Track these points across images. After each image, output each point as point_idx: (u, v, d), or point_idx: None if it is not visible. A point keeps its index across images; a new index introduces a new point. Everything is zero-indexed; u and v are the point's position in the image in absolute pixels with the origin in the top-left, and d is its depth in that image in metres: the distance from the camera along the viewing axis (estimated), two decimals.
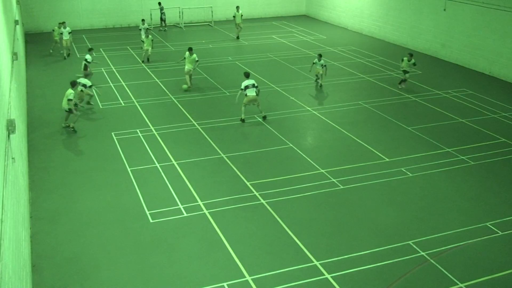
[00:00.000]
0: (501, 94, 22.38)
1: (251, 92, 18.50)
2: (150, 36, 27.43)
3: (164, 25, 35.74)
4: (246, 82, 18.64)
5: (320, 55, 22.87)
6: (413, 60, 22.80)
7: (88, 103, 20.81)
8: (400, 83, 23.10)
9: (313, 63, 23.19)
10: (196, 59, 22.83)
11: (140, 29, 29.93)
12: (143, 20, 30.67)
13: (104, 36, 33.83)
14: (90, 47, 25.69)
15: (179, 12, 36.58)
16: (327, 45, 31.21)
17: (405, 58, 22.88)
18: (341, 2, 36.71)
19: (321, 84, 23.31)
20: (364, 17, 34.40)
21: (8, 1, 20.82)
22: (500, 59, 24.60)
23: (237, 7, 33.21)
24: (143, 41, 27.73)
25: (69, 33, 27.72)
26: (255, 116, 19.73)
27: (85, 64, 22.80)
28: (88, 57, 23.02)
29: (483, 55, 25.48)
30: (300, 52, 29.76)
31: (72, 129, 18.19)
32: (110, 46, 30.81)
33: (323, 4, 39.08)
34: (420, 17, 29.40)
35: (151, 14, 36.14)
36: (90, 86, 20.06)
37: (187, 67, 22.91)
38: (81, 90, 19.90)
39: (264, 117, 19.13)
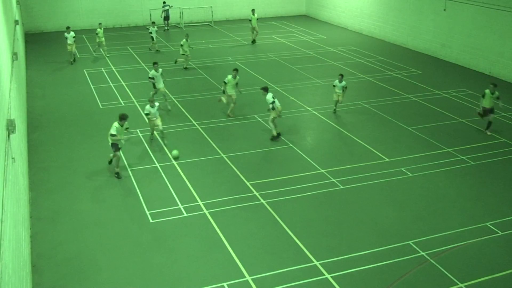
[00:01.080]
0: (501, 94, 22.33)
1: (278, 103, 17.18)
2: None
3: (167, 24, 35.75)
4: (270, 96, 17.11)
5: (341, 76, 19.56)
6: (496, 93, 18.07)
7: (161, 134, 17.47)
8: (487, 128, 18.12)
9: (333, 85, 19.75)
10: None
11: (151, 32, 29.50)
12: (153, 22, 30.56)
13: (104, 36, 33.77)
14: (154, 62, 20.71)
15: (180, 12, 36.55)
16: (327, 45, 31.21)
17: (487, 91, 18.02)
18: (341, 2, 36.71)
19: (335, 109, 20.10)
20: (364, 17, 34.40)
21: (8, 1, 20.82)
22: (500, 59, 24.60)
23: (253, 10, 32.08)
24: (154, 42, 29.24)
25: (73, 37, 26.80)
26: (255, 116, 19.72)
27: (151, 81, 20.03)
28: (153, 73, 19.83)
29: (483, 55, 25.48)
30: (300, 52, 29.75)
31: (116, 175, 15.07)
32: (110, 46, 30.79)
33: (323, 4, 39.08)
34: (420, 17, 29.40)
35: (150, 14, 36.13)
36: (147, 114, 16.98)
37: (230, 91, 19.24)
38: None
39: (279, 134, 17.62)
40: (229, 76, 19.16)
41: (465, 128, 18.67)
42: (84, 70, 25.89)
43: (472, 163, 15.97)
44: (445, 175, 15.23)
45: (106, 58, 27.73)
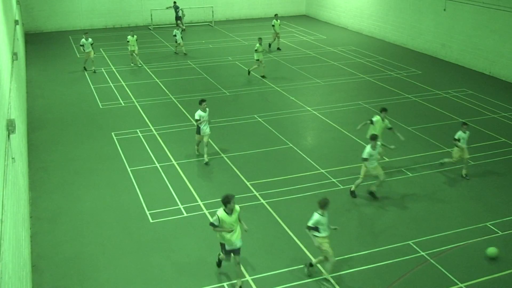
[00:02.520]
0: (501, 94, 22.37)
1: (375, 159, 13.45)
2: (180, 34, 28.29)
3: (180, 23, 35.14)
4: (370, 149, 13.23)
5: (384, 111, 15.19)
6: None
7: None
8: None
9: (370, 122, 15.21)
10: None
11: (175, 34, 28.25)
12: (177, 24, 30.18)
13: (104, 36, 33.81)
14: (202, 99, 16.07)
15: (181, 12, 36.52)
16: (327, 45, 31.20)
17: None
18: (341, 2, 36.70)
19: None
20: (364, 17, 34.39)
21: (8, 1, 20.82)
22: (500, 59, 24.59)
23: (276, 15, 30.30)
24: (179, 43, 28.38)
25: (91, 44, 24.99)
26: (255, 116, 19.72)
27: None
28: (200, 113, 15.53)
29: (483, 55, 25.47)
30: (300, 52, 29.75)
31: None
32: (110, 46, 30.80)
33: (323, 4, 39.08)
34: (420, 17, 29.39)
35: (151, 15, 36.13)
36: None
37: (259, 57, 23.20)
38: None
39: (372, 193, 14.01)
40: (257, 44, 23.64)
41: None
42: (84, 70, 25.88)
43: (472, 163, 15.96)
44: (445, 175, 15.23)
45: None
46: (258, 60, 24.05)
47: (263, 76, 24.34)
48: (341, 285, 10.57)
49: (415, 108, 20.67)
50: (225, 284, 10.62)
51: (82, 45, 24.81)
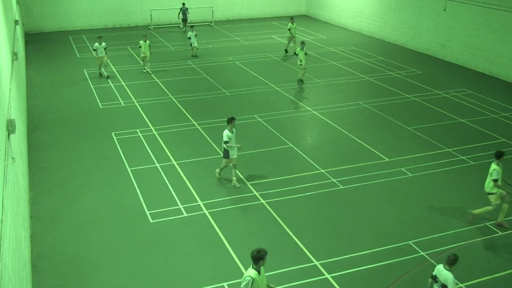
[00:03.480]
0: (501, 94, 22.37)
1: None
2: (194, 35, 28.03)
3: (184, 25, 35.19)
4: (437, 269, 9.20)
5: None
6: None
7: None
8: None
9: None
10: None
11: (190, 37, 27.98)
12: (192, 26, 29.37)
13: (104, 36, 33.74)
14: (230, 117, 14.82)
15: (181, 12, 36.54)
16: (327, 45, 31.19)
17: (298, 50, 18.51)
18: (341, 2, 36.71)
19: None
20: (364, 17, 34.39)
21: (8, 1, 20.82)
22: (500, 59, 24.59)
23: (292, 18, 29.98)
24: (195, 47, 28.07)
25: (104, 49, 24.21)
26: (255, 116, 19.72)
27: None
28: (228, 134, 14.17)
29: (483, 55, 25.47)
30: None
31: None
32: (110, 46, 30.80)
33: (323, 4, 39.08)
34: (420, 17, 29.39)
35: (151, 15, 36.13)
36: None
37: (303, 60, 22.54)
38: None
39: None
40: (298, 49, 23.05)
41: (465, 128, 18.66)
42: (84, 70, 25.89)
43: (472, 163, 15.96)
44: (445, 175, 15.23)
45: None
46: (301, 64, 22.98)
47: (300, 80, 23.55)
48: (341, 285, 10.57)
49: (415, 108, 20.67)
50: (225, 284, 10.62)
51: (95, 50, 24.06)
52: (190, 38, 28.09)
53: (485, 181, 12.62)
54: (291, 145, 17.21)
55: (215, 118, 19.49)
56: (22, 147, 14.08)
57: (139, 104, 21.02)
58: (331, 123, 19.20)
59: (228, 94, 22.35)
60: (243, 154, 16.53)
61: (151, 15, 36.16)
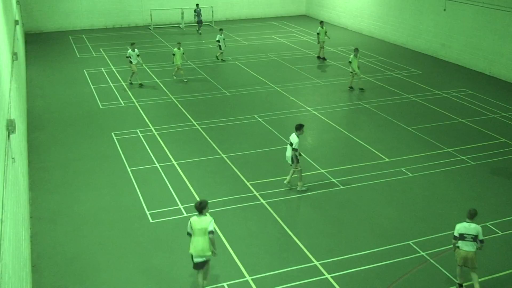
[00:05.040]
0: (501, 94, 22.37)
1: (466, 247, 10.14)
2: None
3: (199, 27, 34.64)
4: (462, 227, 10.14)
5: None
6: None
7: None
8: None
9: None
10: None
11: (218, 40, 27.03)
12: (221, 29, 27.56)
13: (104, 36, 33.84)
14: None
15: (181, 12, 36.54)
16: (327, 45, 31.15)
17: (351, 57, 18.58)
18: (341, 2, 36.70)
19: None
20: (364, 17, 34.40)
21: (8, 1, 20.82)
22: (500, 59, 24.59)
23: (321, 22, 28.07)
24: (221, 51, 27.20)
25: (137, 55, 22.91)
26: (255, 116, 19.72)
27: None
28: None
29: (483, 55, 25.47)
30: (300, 52, 29.74)
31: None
32: (110, 46, 30.81)
33: (323, 4, 39.08)
34: (420, 17, 29.39)
35: (151, 15, 36.13)
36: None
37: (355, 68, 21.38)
38: None
39: None
40: (351, 56, 21.95)
41: (465, 128, 18.66)
42: (84, 70, 25.89)
43: (472, 163, 15.97)
44: (445, 175, 15.23)
45: (106, 58, 25.48)
46: (353, 72, 22.10)
47: (361, 89, 22.56)
48: (341, 285, 10.57)
49: (415, 108, 20.67)
50: (225, 284, 10.62)
51: (129, 57, 22.82)
52: (219, 41, 27.01)
53: (485, 181, 12.60)
54: None
55: (215, 118, 19.50)
56: (22, 147, 14.08)
57: (139, 104, 21.02)
58: (331, 123, 19.20)
59: (228, 94, 22.35)
60: (243, 154, 16.55)
61: (151, 15, 36.15)
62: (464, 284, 10.51)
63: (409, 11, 30.19)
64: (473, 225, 9.95)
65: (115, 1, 36.45)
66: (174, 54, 23.64)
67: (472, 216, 9.99)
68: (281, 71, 25.82)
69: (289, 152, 14.02)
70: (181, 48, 23.59)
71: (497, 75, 24.79)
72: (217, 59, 27.65)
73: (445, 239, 12.13)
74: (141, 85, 23.13)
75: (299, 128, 13.99)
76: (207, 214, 9.91)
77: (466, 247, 9.99)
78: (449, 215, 13.16)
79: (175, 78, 24.17)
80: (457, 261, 10.20)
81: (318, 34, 27.45)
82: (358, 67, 22.29)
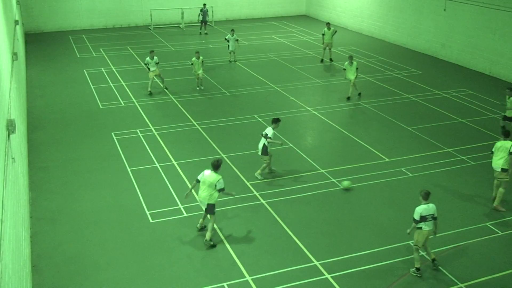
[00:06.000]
0: (501, 94, 22.33)
1: (428, 227, 10.81)
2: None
3: (205, 27, 34.37)
4: (423, 209, 10.69)
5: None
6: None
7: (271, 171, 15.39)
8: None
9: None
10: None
11: (228, 39, 26.77)
12: (232, 30, 27.15)
13: (104, 36, 33.84)
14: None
15: (181, 12, 36.54)
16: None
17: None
18: (341, 2, 36.71)
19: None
20: (364, 17, 34.39)
21: (8, 1, 20.82)
22: (500, 59, 24.59)
23: (328, 24, 27.32)
24: (232, 51, 26.88)
25: (156, 63, 22.04)
26: (254, 116, 19.72)
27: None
28: None
29: (483, 55, 25.47)
30: (300, 52, 29.74)
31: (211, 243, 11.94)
32: (110, 46, 30.81)
33: (323, 4, 39.08)
34: (420, 17, 29.39)
35: (151, 15, 36.13)
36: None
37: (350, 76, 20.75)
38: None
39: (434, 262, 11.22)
40: (346, 63, 21.59)
41: (465, 128, 18.66)
42: (84, 70, 25.89)
43: (472, 163, 15.97)
44: (445, 175, 15.23)
45: (106, 58, 24.95)
46: (349, 79, 21.48)
47: (359, 94, 21.90)
48: (341, 285, 10.57)
49: (415, 108, 20.67)
50: (225, 284, 10.62)
51: (147, 64, 21.97)
52: (228, 41, 26.75)
53: (484, 181, 12.61)
54: (291, 145, 17.21)
55: (215, 118, 19.50)
56: (22, 147, 14.09)
57: (139, 104, 21.02)
58: (331, 123, 19.20)
59: (228, 94, 22.35)
60: (243, 154, 16.54)
61: (151, 15, 36.14)
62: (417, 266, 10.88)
63: (409, 11, 30.19)
64: (431, 205, 10.71)
65: (115, 1, 36.44)
66: (192, 64, 22.59)
67: (427, 196, 10.69)
68: (281, 71, 25.81)
69: (261, 144, 14.59)
70: (200, 57, 22.48)
71: (497, 75, 24.79)
72: (229, 61, 27.28)
73: (445, 239, 12.13)
74: (150, 93, 22.16)
75: (275, 121, 14.68)
76: (218, 173, 11.74)
77: (428, 227, 10.72)
78: (449, 215, 13.15)
79: (199, 88, 22.74)
80: (419, 243, 10.79)
81: (323, 35, 27.00)
82: (355, 75, 21.23)
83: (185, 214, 13.12)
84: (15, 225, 9.06)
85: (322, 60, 27.34)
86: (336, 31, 27.36)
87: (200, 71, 22.53)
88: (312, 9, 40.71)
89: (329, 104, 21.19)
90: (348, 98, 21.59)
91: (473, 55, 26.05)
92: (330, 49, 27.33)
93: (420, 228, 10.69)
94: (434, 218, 10.74)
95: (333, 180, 14.88)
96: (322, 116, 19.85)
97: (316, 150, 16.96)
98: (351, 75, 21.36)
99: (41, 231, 12.46)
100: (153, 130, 18.38)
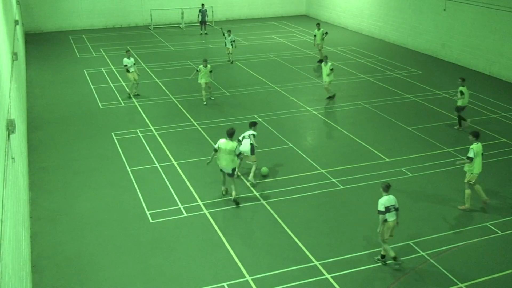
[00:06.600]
0: (501, 94, 22.37)
1: (392, 217, 11.12)
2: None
3: (204, 27, 34.35)
4: (386, 200, 11.04)
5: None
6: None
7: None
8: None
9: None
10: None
11: (225, 37, 26.80)
12: (229, 31, 26.91)
13: (104, 36, 33.84)
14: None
15: (181, 12, 36.54)
16: (327, 45, 31.16)
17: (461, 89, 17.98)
18: (341, 2, 36.71)
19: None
20: (364, 17, 34.40)
21: (8, 1, 20.82)
22: (500, 59, 24.59)
23: (318, 24, 27.33)
24: (230, 53, 26.86)
25: (133, 64, 21.39)
26: (254, 116, 19.71)
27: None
28: None
29: (483, 55, 25.47)
30: (300, 52, 29.74)
31: (238, 201, 13.52)
32: (110, 46, 30.81)
33: (323, 4, 39.08)
34: (420, 17, 29.39)
35: (151, 15, 36.13)
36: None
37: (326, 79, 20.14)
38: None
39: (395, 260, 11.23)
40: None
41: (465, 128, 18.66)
42: (84, 70, 25.89)
43: None
44: (445, 175, 15.23)
45: (106, 58, 24.29)
46: (327, 81, 21.07)
47: (332, 96, 21.50)
48: (341, 285, 10.57)
49: (415, 108, 20.67)
50: (225, 284, 10.62)
51: (126, 65, 21.25)
52: (225, 38, 26.70)
53: (484, 181, 12.61)
54: (291, 145, 17.21)
55: (215, 118, 19.49)
56: (22, 147, 14.09)
57: (139, 104, 21.02)
58: (331, 123, 19.20)
59: (228, 94, 22.35)
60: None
61: (151, 15, 36.15)
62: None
63: (409, 11, 30.19)
64: (391, 196, 11.08)
65: (115, 1, 36.45)
66: (198, 71, 20.74)
67: (388, 188, 11.07)
68: (281, 71, 25.81)
69: (247, 145, 14.66)
70: (208, 65, 20.69)
71: (497, 75, 24.79)
72: (230, 62, 27.16)
73: (445, 239, 12.14)
74: (137, 95, 21.83)
75: (255, 124, 15.09)
76: (233, 140, 13.30)
77: (392, 217, 11.05)
78: (449, 215, 13.16)
79: (206, 102, 21.02)
80: (385, 235, 11.00)
81: (314, 36, 27.12)
82: (330, 78, 20.92)
83: (185, 214, 13.12)
84: (15, 225, 9.06)
85: (320, 61, 27.20)
86: (326, 33, 27.30)
87: (208, 81, 20.89)
88: (312, 9, 40.71)
89: (329, 104, 21.19)
90: (330, 98, 21.47)
91: (473, 55, 26.05)
92: (320, 50, 27.21)
93: (386, 220, 10.99)
94: (396, 209, 11.09)
95: (333, 180, 14.88)
96: (322, 116, 19.85)
97: (316, 150, 16.96)
98: (325, 76, 21.06)
99: (41, 231, 12.46)
100: (153, 130, 18.38)
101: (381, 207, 10.95)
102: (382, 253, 11.29)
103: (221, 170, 13.74)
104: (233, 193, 13.54)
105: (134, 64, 21.54)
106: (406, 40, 30.70)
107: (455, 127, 18.56)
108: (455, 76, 25.04)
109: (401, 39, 31.12)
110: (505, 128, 18.66)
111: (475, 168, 13.08)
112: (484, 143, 17.28)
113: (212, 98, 21.36)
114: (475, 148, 13.07)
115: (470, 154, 13.01)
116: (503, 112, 20.24)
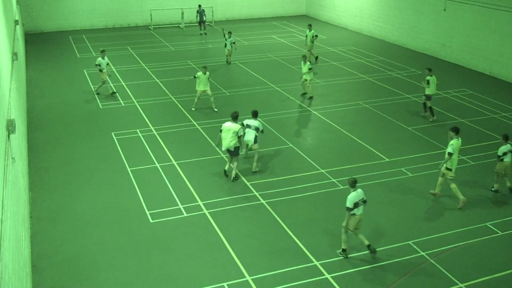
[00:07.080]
0: (501, 94, 22.37)
1: (359, 211, 11.34)
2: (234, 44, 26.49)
3: (204, 27, 34.28)
4: (355, 196, 11.26)
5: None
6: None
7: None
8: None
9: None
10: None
11: (226, 38, 26.68)
12: (229, 32, 26.68)
13: (104, 36, 33.84)
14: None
15: (181, 12, 36.55)
16: (327, 45, 31.20)
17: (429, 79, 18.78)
18: (341, 2, 36.71)
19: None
20: (364, 17, 34.40)
21: (8, 1, 20.82)
22: (500, 59, 24.59)
23: (309, 25, 27.26)
24: (229, 55, 26.68)
25: (107, 64, 21.68)
26: None
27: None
28: None
29: (483, 55, 25.47)
30: (300, 52, 29.71)
31: (237, 179, 14.83)
32: (110, 46, 30.80)
33: (323, 4, 39.08)
34: (420, 17, 29.39)
35: (151, 15, 36.14)
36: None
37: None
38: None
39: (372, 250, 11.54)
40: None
41: (465, 128, 18.63)
42: (84, 70, 25.89)
43: (472, 163, 15.96)
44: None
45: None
46: (306, 80, 21.23)
47: (304, 94, 21.83)
48: (341, 285, 10.57)
49: (415, 108, 20.66)
50: (225, 284, 10.62)
51: (98, 65, 21.41)
52: (226, 39, 26.53)
53: (484, 181, 12.61)
54: (291, 145, 17.21)
55: (215, 118, 19.49)
56: (22, 147, 14.09)
57: (139, 104, 21.02)
58: (331, 123, 19.20)
59: (228, 94, 22.35)
60: (243, 154, 16.52)
61: (151, 15, 36.15)
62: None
63: (409, 11, 30.19)
64: (359, 191, 11.27)
65: (115, 1, 36.45)
66: (196, 77, 19.91)
67: (354, 184, 11.25)
68: (281, 71, 25.81)
69: (252, 135, 15.11)
70: (207, 72, 19.96)
71: (497, 75, 24.79)
72: (228, 63, 27.10)
73: (445, 239, 12.14)
74: (113, 93, 21.95)
75: (256, 114, 15.72)
76: (237, 122, 14.42)
77: (360, 211, 11.23)
78: (449, 215, 13.16)
79: (195, 108, 20.42)
80: (350, 227, 11.23)
81: (306, 36, 26.92)
82: (309, 77, 21.10)
83: (185, 214, 13.13)
84: (15, 225, 9.06)
85: (316, 58, 27.32)
86: (316, 35, 27.12)
87: (207, 89, 20.04)
88: (312, 9, 40.71)
89: (329, 104, 21.19)
90: (310, 98, 21.59)
91: (473, 55, 26.05)
92: (309, 51, 26.93)
93: (354, 214, 11.18)
94: (364, 201, 11.29)
95: (333, 180, 14.88)
96: (322, 116, 19.85)
97: (316, 150, 16.96)
98: (304, 74, 21.18)
99: (41, 231, 12.46)
100: (153, 130, 18.38)
101: (349, 204, 11.13)
102: (343, 246, 11.45)
103: (227, 150, 14.63)
104: (233, 172, 14.59)
105: (108, 64, 21.91)
106: (406, 40, 30.70)
107: (430, 120, 19.09)
108: (455, 76, 25.08)
109: (401, 39, 31.12)
110: (505, 128, 18.65)
111: (453, 165, 13.29)
112: (484, 143, 17.34)
113: (216, 110, 20.20)
114: (455, 144, 13.21)
115: (450, 150, 13.21)
116: (503, 112, 20.24)
